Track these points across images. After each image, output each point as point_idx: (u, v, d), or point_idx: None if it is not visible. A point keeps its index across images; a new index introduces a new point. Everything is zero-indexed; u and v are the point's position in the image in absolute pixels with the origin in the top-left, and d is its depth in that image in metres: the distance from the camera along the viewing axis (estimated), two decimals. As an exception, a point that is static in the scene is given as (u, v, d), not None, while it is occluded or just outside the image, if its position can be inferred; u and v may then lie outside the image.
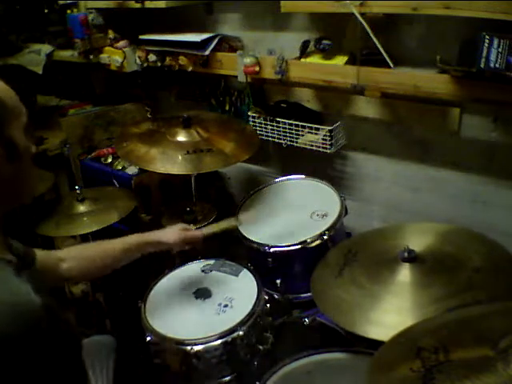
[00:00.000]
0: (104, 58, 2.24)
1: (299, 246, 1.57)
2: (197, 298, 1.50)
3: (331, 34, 1.73)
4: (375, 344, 1.03)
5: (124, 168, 2.18)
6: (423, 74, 1.53)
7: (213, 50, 1.99)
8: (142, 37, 2.14)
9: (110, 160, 2.26)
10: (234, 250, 1.73)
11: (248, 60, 1.86)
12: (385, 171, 1.89)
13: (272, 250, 1.59)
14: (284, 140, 1.92)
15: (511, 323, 0.85)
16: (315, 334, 1.51)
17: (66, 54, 2.37)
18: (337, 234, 1.62)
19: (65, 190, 2.40)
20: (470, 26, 1.37)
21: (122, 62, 2.18)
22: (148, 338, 1.38)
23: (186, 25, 2.12)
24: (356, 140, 1.90)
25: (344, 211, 1.70)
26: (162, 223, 1.84)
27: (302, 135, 1.87)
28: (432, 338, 0.87)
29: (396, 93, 1.61)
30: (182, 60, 2.06)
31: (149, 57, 2.14)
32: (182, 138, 1.74)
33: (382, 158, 1.87)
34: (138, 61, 2.19)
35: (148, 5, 1.94)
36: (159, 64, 2.14)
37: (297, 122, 1.86)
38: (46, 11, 2.47)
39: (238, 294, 1.49)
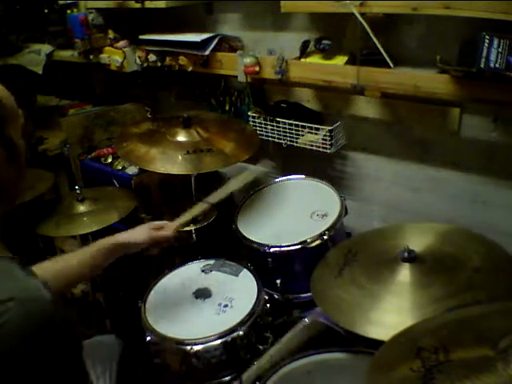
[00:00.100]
0: (104, 57, 2.24)
1: (299, 246, 1.57)
2: (197, 297, 1.50)
3: (331, 33, 1.73)
4: (375, 344, 1.03)
5: (124, 168, 2.18)
6: (423, 74, 1.53)
7: (213, 50, 1.99)
8: (141, 37, 2.14)
9: (109, 160, 2.25)
10: (234, 250, 1.73)
11: (248, 60, 1.86)
12: (385, 171, 1.89)
13: (272, 250, 1.59)
14: (284, 140, 1.92)
15: (511, 323, 0.85)
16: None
17: (66, 54, 2.37)
18: (337, 234, 1.62)
19: (65, 190, 2.40)
20: (470, 26, 1.37)
21: (122, 62, 2.18)
22: (148, 338, 1.38)
23: (186, 25, 2.12)
24: (356, 140, 1.90)
25: (344, 211, 1.70)
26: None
27: (302, 135, 1.88)
28: (432, 338, 0.87)
29: (396, 93, 1.61)
30: (182, 60, 2.06)
31: (149, 57, 2.14)
32: (182, 137, 1.74)
33: (381, 157, 1.87)
34: (138, 61, 2.19)
35: (148, 5, 1.94)
36: (159, 64, 2.14)
37: (297, 122, 1.86)
38: (46, 11, 2.47)
39: (238, 294, 1.49)
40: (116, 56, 2.19)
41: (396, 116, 1.72)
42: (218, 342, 1.34)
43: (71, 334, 0.81)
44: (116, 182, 2.16)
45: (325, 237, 1.58)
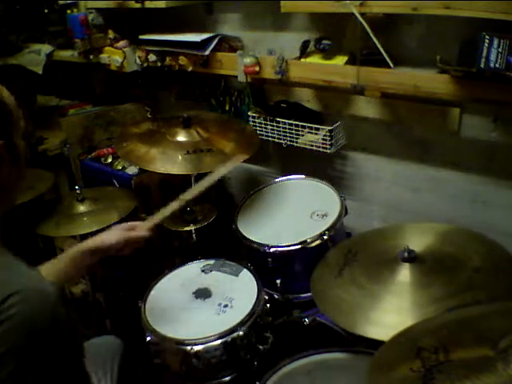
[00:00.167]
0: (104, 57, 2.24)
1: (299, 246, 1.57)
2: (197, 297, 1.50)
3: (331, 33, 1.73)
4: (375, 344, 1.03)
5: (124, 168, 2.18)
6: (423, 74, 1.53)
7: (213, 50, 1.99)
8: (142, 37, 2.14)
9: (110, 160, 2.26)
10: (234, 250, 1.73)
11: (248, 60, 1.86)
12: (385, 171, 1.89)
13: (272, 249, 1.59)
14: (284, 140, 1.92)
15: (511, 323, 0.85)
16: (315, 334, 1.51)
17: (66, 54, 2.37)
18: (337, 234, 1.62)
19: (65, 190, 2.40)
20: (470, 26, 1.37)
21: (122, 62, 2.18)
22: (148, 338, 1.38)
23: (186, 25, 2.12)
24: (356, 140, 1.90)
25: (344, 211, 1.70)
26: (162, 223, 1.84)
27: (302, 135, 1.88)
28: (432, 338, 0.87)
29: (396, 93, 1.60)
30: (182, 60, 2.05)
31: (149, 57, 2.14)
32: (182, 137, 1.74)
33: (381, 157, 1.87)
34: (138, 61, 2.19)
35: (148, 5, 1.94)
36: (159, 64, 2.13)
37: (297, 122, 1.86)
38: (46, 11, 2.47)
39: (238, 294, 1.49)
40: (116, 56, 2.19)
41: (396, 116, 1.72)
42: (218, 342, 1.33)
43: (74, 326, 0.82)
44: (116, 182, 2.16)
45: (325, 237, 1.58)
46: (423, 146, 1.75)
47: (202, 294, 1.51)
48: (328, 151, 1.83)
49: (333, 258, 1.43)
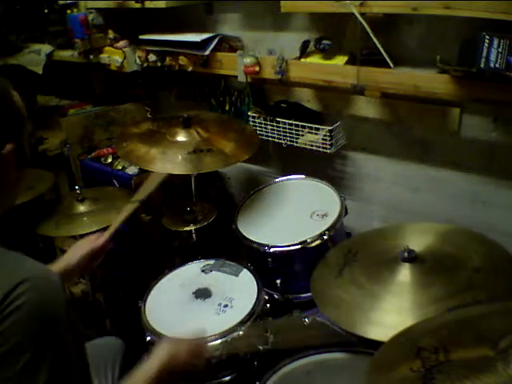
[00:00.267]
0: (104, 57, 2.23)
1: (299, 246, 1.57)
2: (197, 297, 1.50)
3: (331, 33, 1.73)
4: (375, 344, 1.03)
5: (124, 168, 2.18)
6: (423, 74, 1.53)
7: (213, 50, 1.99)
8: (142, 37, 2.14)
9: (110, 160, 2.26)
10: (234, 250, 1.73)
11: (248, 60, 1.86)
12: (385, 171, 1.89)
13: (272, 249, 1.59)
14: (284, 140, 1.92)
15: (511, 323, 0.85)
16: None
17: (66, 54, 2.37)
18: (337, 234, 1.62)
19: (65, 190, 2.40)
20: (470, 26, 1.37)
21: (122, 62, 2.18)
22: (148, 338, 1.38)
23: (186, 25, 2.12)
24: (356, 140, 1.90)
25: (344, 211, 1.70)
26: (162, 223, 1.84)
27: (302, 135, 1.87)
28: (432, 338, 0.87)
29: (396, 93, 1.60)
30: (182, 60, 2.05)
31: (149, 57, 2.14)
32: (182, 137, 1.74)
33: (381, 157, 1.87)
34: (138, 61, 2.19)
35: (148, 5, 1.94)
36: (159, 64, 2.13)
37: (297, 122, 1.86)
38: (46, 11, 2.47)
39: (238, 294, 1.49)
40: (116, 56, 2.19)
41: (396, 116, 1.72)
42: (218, 341, 1.34)
43: (76, 318, 0.83)
44: (116, 182, 2.16)
45: (325, 237, 1.58)
46: (423, 145, 1.75)
47: (202, 293, 1.51)
48: (328, 151, 1.83)
49: (333, 258, 1.43)
